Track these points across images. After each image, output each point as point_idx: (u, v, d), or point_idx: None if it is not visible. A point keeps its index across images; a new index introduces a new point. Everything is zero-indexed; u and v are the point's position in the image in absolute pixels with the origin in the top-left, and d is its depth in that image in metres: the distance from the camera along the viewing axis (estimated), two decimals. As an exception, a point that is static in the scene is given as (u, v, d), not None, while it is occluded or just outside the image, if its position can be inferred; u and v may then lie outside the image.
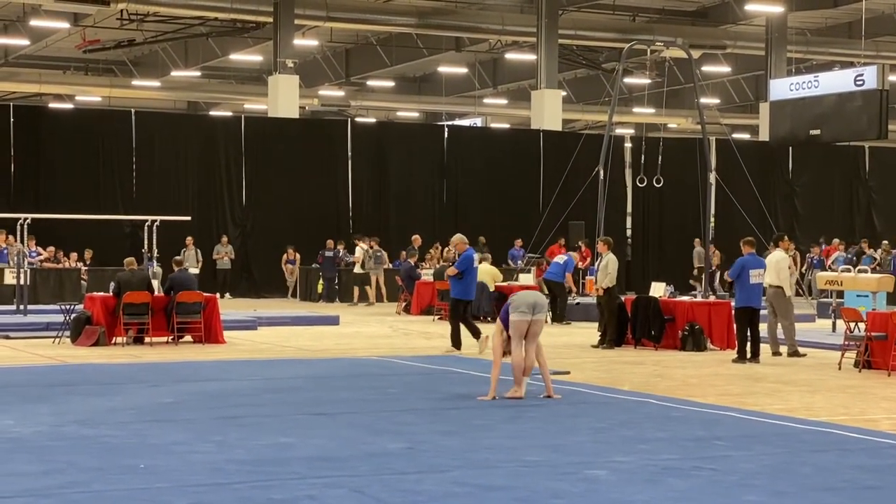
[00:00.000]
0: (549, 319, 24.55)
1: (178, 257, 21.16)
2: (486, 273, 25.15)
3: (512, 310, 12.42)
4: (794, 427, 10.87)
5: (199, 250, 30.32)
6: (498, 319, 12.57)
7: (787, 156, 39.25)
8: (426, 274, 28.35)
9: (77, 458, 8.86)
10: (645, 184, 26.89)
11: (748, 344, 17.20)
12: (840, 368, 16.01)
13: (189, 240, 29.98)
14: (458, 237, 18.95)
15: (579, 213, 29.82)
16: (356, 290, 30.93)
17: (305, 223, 33.07)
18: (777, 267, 18.01)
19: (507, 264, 31.75)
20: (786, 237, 19.20)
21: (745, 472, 8.64)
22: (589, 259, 30.50)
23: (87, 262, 29.46)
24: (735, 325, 17.73)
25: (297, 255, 32.40)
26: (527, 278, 25.77)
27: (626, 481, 8.28)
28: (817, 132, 37.39)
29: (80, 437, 9.79)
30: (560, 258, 25.29)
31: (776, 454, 9.48)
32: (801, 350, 17.96)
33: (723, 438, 10.13)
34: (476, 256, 18.40)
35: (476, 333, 18.02)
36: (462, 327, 18.07)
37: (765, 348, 17.60)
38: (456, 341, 18.09)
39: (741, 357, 17.08)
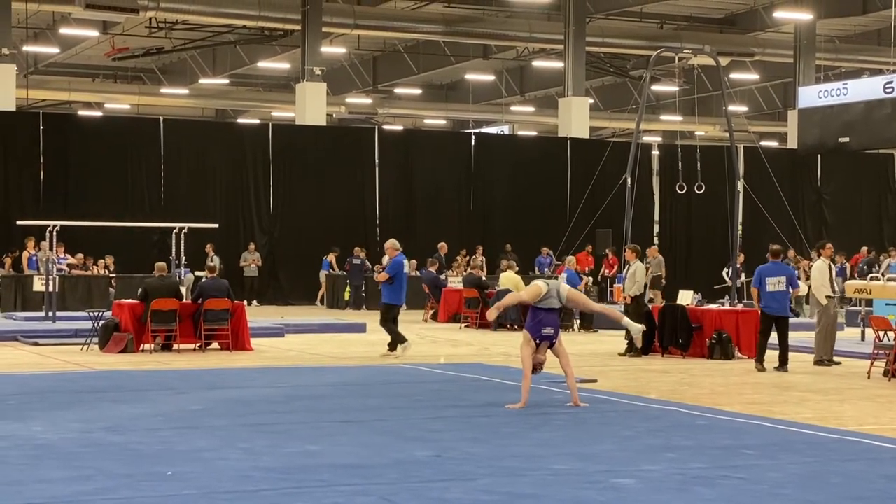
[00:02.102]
0: (576, 327, 24.62)
1: (210, 264, 21.21)
2: (510, 281, 25.13)
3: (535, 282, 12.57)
4: (822, 436, 10.81)
5: (217, 257, 30.00)
6: (524, 329, 12.55)
7: (815, 163, 39.10)
8: (453, 281, 28.35)
9: (105, 464, 8.88)
10: (685, 191, 26.82)
11: (778, 352, 17.09)
12: (869, 377, 15.91)
13: (209, 247, 29.85)
14: (390, 242, 19.17)
15: (606, 220, 29.74)
16: None
17: (333, 231, 33.11)
18: (813, 276, 17.98)
19: (532, 272, 31.74)
20: (828, 245, 18.89)
21: (774, 481, 8.59)
22: (616, 267, 30.47)
23: (111, 269, 29.58)
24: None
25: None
26: (554, 286, 25.68)
27: (653, 490, 8.25)
28: (846, 140, 37.28)
29: (107, 444, 9.82)
30: (561, 279, 25.13)
31: (805, 463, 9.43)
32: (830, 359, 17.87)
33: (751, 447, 10.08)
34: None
35: (394, 345, 18.56)
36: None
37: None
38: (399, 339, 18.47)
39: (758, 364, 16.95)
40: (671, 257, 36.79)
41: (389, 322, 18.57)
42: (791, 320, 18.22)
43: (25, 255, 28.60)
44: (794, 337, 20.36)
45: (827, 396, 14.06)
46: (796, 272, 17.69)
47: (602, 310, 12.82)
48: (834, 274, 18.24)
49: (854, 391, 14.62)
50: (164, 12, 35.76)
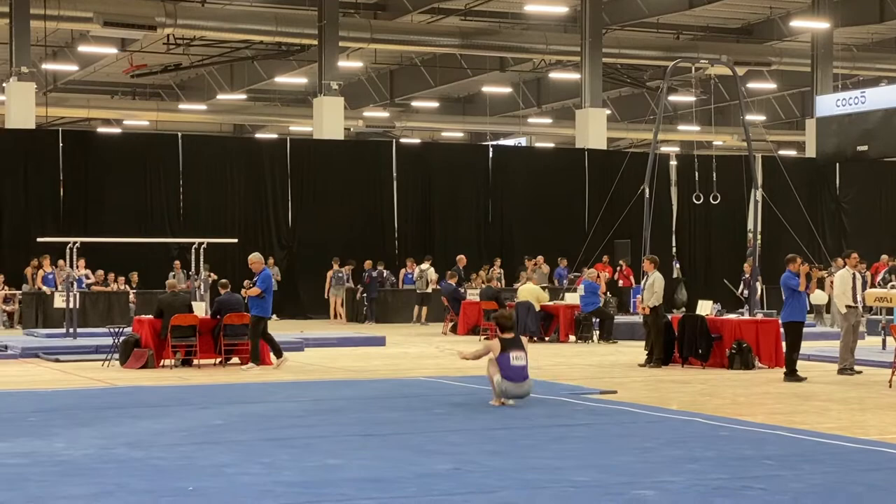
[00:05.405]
0: (595, 338, 24.60)
1: (223, 280, 21.25)
2: (531, 293, 25.13)
3: (495, 385, 13.22)
4: (844, 446, 10.77)
5: (181, 273, 29.17)
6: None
7: (834, 172, 38.97)
8: (472, 294, 28.37)
9: (127, 480, 8.90)
10: (702, 201, 26.81)
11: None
12: (891, 386, 15.84)
13: (176, 264, 29.71)
14: (254, 256, 19.33)
15: (625, 231, 29.78)
16: (416, 309, 31.04)
17: (351, 244, 33.15)
18: (835, 284, 17.96)
19: (551, 283, 31.75)
20: (853, 254, 18.76)
21: (796, 491, 8.56)
22: (631, 277, 30.47)
23: (134, 285, 29.67)
24: None
25: (344, 271, 32.22)
26: (572, 297, 25.75)
27: (674, 501, 8.23)
28: (864, 148, 37.21)
29: (129, 460, 9.84)
30: (579, 291, 25.18)
31: (826, 473, 9.39)
32: (851, 368, 17.81)
33: (772, 457, 10.04)
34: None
35: (278, 352, 19.00)
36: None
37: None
38: (255, 357, 18.68)
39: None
40: (690, 267, 36.79)
41: (258, 335, 18.72)
42: (813, 329, 18.17)
43: (41, 273, 28.73)
44: (814, 346, 20.40)
45: (848, 406, 14.01)
46: (792, 276, 17.24)
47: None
48: (859, 284, 18.12)
49: (875, 400, 14.56)
50: (181, 29, 35.92)
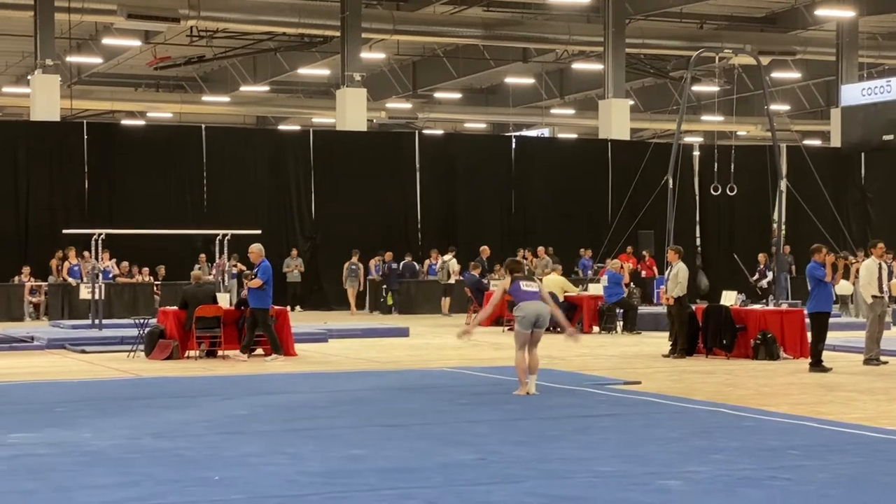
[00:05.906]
0: (619, 329, 24.56)
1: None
2: (556, 283, 25.10)
3: (516, 322, 13.49)
4: (870, 436, 10.73)
5: (206, 265, 29.62)
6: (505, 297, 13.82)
7: (859, 162, 38.74)
8: (495, 285, 28.36)
9: (153, 470, 8.95)
10: (719, 192, 26.74)
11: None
12: (917, 376, 15.78)
13: (202, 256, 29.84)
14: (254, 247, 19.07)
15: (648, 222, 29.71)
16: (443, 300, 31.11)
17: (375, 236, 33.19)
18: (861, 274, 17.89)
19: (575, 273, 31.73)
20: (879, 244, 18.61)
21: (822, 482, 8.54)
22: (655, 268, 30.45)
23: (161, 279, 29.77)
24: None
25: (361, 265, 32.24)
26: (596, 288, 25.71)
27: (700, 492, 8.22)
28: (890, 137, 37.01)
29: (155, 450, 9.89)
30: (603, 282, 25.17)
31: (853, 463, 9.36)
32: (877, 359, 17.74)
33: (798, 448, 10.01)
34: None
35: (247, 348, 18.78)
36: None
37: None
38: (276, 348, 18.62)
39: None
40: (714, 258, 36.68)
41: (270, 326, 18.68)
42: (838, 319, 18.09)
43: (66, 264, 28.89)
44: (840, 336, 20.31)
45: (874, 396, 13.95)
46: (818, 266, 17.19)
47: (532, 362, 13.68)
48: (885, 274, 18.01)
49: (901, 390, 14.50)
50: (204, 21, 36.00)
